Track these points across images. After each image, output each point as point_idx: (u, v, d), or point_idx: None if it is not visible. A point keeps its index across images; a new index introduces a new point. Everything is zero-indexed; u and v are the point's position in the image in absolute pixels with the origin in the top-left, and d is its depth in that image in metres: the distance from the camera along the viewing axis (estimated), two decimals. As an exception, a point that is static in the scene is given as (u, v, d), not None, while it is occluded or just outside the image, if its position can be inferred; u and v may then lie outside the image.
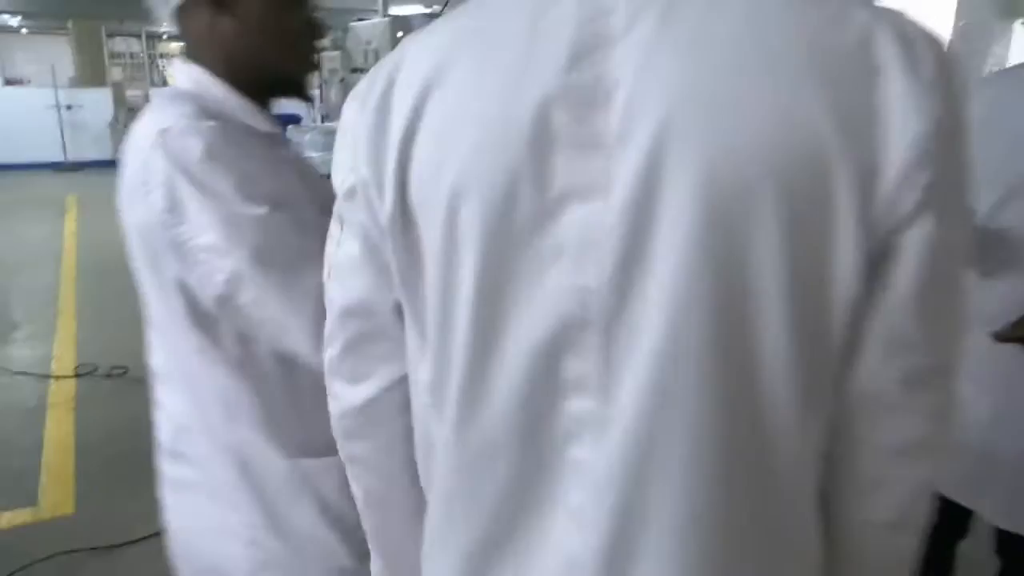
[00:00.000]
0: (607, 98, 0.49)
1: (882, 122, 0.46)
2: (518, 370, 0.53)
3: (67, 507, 2.48)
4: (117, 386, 3.41)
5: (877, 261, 0.49)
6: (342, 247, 0.62)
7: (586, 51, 0.49)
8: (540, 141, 0.50)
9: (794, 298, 0.48)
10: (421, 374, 0.60)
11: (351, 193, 0.59)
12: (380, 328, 0.63)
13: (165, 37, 12.18)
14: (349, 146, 0.58)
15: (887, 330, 0.50)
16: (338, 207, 0.61)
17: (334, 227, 0.63)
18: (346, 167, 0.59)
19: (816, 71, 0.46)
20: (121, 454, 2.81)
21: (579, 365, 0.52)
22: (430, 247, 0.55)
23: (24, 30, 11.02)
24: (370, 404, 0.66)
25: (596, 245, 0.50)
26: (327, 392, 0.69)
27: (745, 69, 0.47)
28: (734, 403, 0.50)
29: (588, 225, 0.50)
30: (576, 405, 0.53)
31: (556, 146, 0.50)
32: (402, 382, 0.64)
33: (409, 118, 0.54)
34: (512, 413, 0.54)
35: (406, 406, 0.64)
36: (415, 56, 0.56)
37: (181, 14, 0.91)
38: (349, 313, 0.63)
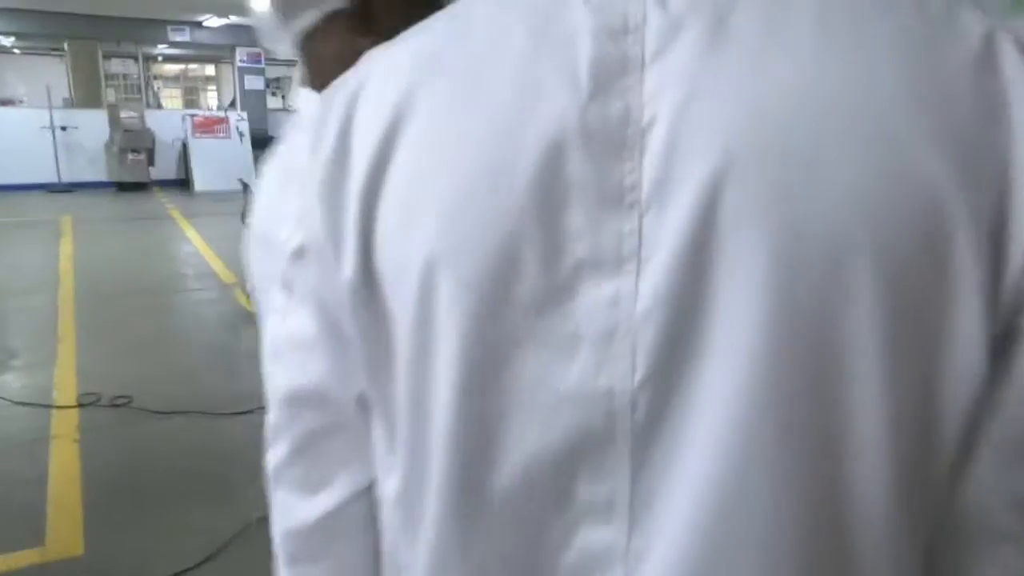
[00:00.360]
0: (639, 139, 0.37)
1: (1012, 168, 0.36)
2: (515, 491, 0.42)
3: (76, 547, 2.39)
4: (122, 416, 3.32)
5: (996, 349, 0.38)
6: (289, 320, 0.50)
7: (609, 77, 0.38)
8: (549, 194, 0.38)
9: (897, 400, 0.37)
10: (389, 485, 0.48)
11: (300, 253, 0.47)
12: (339, 423, 0.50)
13: (160, 59, 12.18)
14: (298, 193, 0.47)
15: (1002, 436, 0.39)
16: (283, 271, 0.49)
17: (278, 296, 0.51)
18: (293, 220, 0.47)
19: (924, 97, 0.35)
20: (130, 489, 2.73)
21: (600, 488, 0.41)
22: (400, 326, 0.43)
23: (16, 51, 11.00)
24: (328, 519, 0.52)
25: (625, 335, 0.38)
26: (271, 502, 0.55)
27: (828, 97, 0.35)
28: (817, 533, 0.39)
29: (614, 307, 0.38)
30: (595, 536, 0.42)
31: (571, 202, 0.38)
32: (368, 491, 0.52)
33: (374, 159, 0.42)
34: (507, 543, 0.43)
35: (373, 519, 0.52)
36: (381, 77, 0.45)
37: (308, 38, 0.82)
38: (300, 403, 0.51)
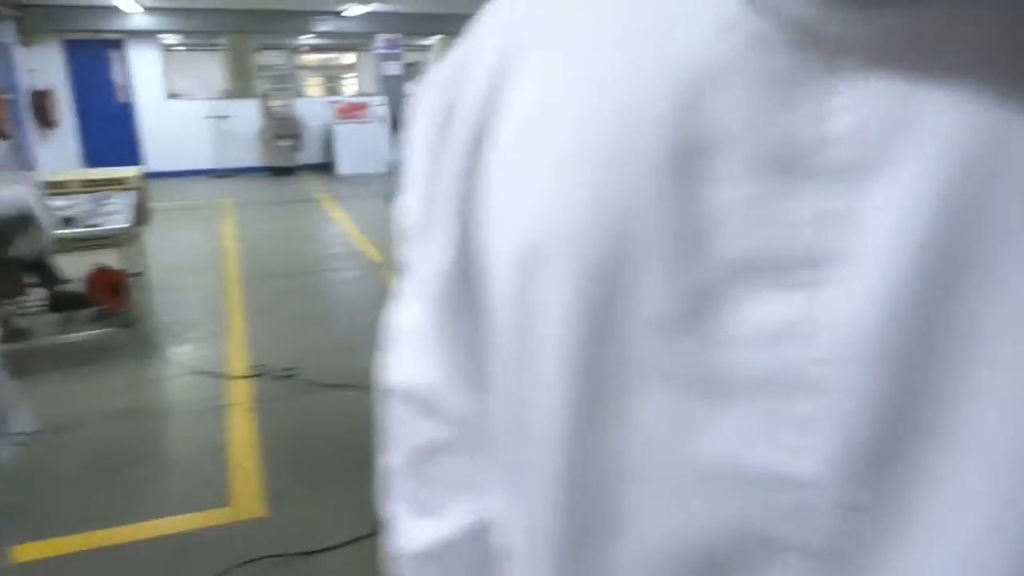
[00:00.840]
0: (827, 64, 0.23)
1: None
2: None
3: (259, 509, 2.53)
4: (291, 388, 3.49)
5: None
6: (404, 308, 0.43)
7: None
8: (686, 153, 0.25)
9: None
10: (502, 534, 0.38)
11: (412, 231, 0.40)
12: (453, 438, 0.41)
13: (304, 49, 12.80)
14: (410, 165, 0.39)
15: None
16: (404, 250, 0.42)
17: (402, 279, 0.44)
18: (408, 195, 0.40)
19: None
20: (306, 456, 2.85)
21: None
22: (496, 329, 0.34)
23: (182, 48, 11.94)
24: (440, 552, 0.43)
25: (810, 386, 0.24)
26: (385, 510, 0.47)
27: None
28: None
29: (788, 339, 0.24)
30: None
31: (718, 165, 0.25)
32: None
33: (474, 127, 0.33)
34: None
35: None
36: (493, 21, 0.35)
37: None
38: (409, 405, 0.43)
